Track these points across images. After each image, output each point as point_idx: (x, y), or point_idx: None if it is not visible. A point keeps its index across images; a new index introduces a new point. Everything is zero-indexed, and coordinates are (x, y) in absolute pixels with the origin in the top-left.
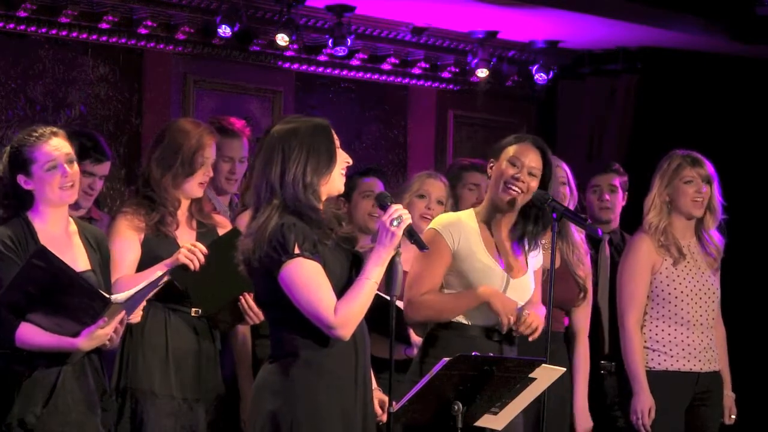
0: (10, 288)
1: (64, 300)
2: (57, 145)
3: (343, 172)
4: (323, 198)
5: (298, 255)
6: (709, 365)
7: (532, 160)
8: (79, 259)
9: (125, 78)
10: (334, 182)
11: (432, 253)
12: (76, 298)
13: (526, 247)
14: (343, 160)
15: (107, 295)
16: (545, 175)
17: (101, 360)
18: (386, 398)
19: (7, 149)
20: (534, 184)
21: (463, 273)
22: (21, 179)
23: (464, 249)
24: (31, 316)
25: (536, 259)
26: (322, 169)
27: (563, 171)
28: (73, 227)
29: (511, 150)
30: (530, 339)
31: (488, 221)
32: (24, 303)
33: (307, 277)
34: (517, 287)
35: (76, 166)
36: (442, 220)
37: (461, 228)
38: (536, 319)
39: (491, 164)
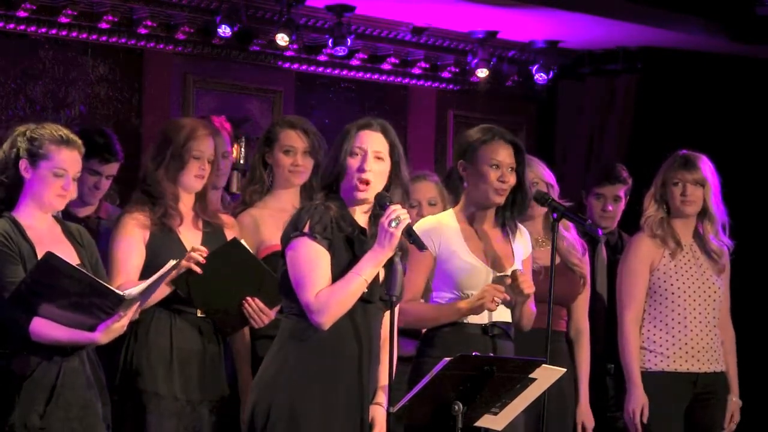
0: (20, 290)
1: (77, 300)
2: (75, 159)
3: None
4: None
5: (305, 234)
6: (709, 365)
7: (508, 156)
8: (69, 255)
9: (125, 78)
10: None
11: (412, 259)
12: (89, 297)
13: (510, 234)
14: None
15: (120, 293)
16: (519, 165)
17: (96, 355)
18: (381, 420)
19: (23, 132)
20: (513, 178)
21: (447, 273)
22: (23, 164)
23: (445, 251)
24: (44, 311)
25: (523, 248)
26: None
27: (544, 171)
28: (56, 225)
29: (487, 151)
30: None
31: (471, 219)
32: (35, 302)
33: (305, 255)
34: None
35: (76, 183)
36: (421, 225)
37: (441, 231)
38: (525, 277)
39: (463, 166)
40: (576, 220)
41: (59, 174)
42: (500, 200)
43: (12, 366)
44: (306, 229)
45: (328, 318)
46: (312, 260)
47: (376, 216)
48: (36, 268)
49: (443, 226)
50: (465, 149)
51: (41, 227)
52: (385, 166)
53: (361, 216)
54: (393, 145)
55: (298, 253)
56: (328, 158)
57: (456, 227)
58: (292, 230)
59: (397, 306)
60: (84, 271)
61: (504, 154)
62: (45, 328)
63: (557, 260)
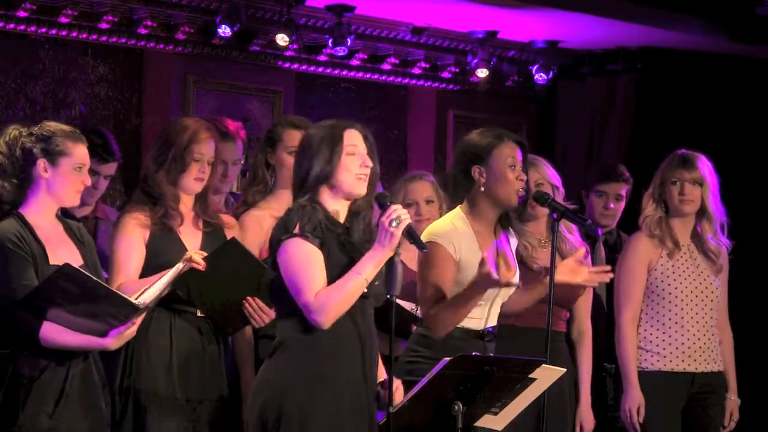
0: (33, 295)
1: (91, 309)
2: (87, 153)
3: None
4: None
5: (296, 234)
6: (706, 365)
7: (519, 155)
8: (74, 255)
9: (125, 78)
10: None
11: (439, 265)
12: (104, 306)
13: (509, 235)
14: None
15: (135, 302)
16: (524, 163)
17: (98, 352)
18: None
19: (23, 133)
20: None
21: (462, 283)
22: (42, 164)
23: (465, 259)
24: (54, 316)
25: (513, 240)
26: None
27: (549, 171)
28: (58, 223)
29: (504, 152)
30: None
31: (482, 222)
32: (47, 307)
33: (299, 256)
34: (509, 288)
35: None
36: (439, 230)
37: (459, 237)
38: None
39: (479, 171)
40: (576, 221)
41: (80, 168)
42: (518, 201)
43: (20, 368)
44: (296, 230)
45: (327, 318)
46: (306, 260)
47: (354, 213)
48: (53, 278)
49: (460, 232)
50: (477, 154)
51: (48, 226)
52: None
53: (342, 215)
54: (373, 145)
55: (291, 255)
56: (313, 161)
57: (470, 233)
58: (283, 232)
59: (429, 315)
60: (100, 281)
61: (516, 154)
62: (55, 333)
63: (559, 261)
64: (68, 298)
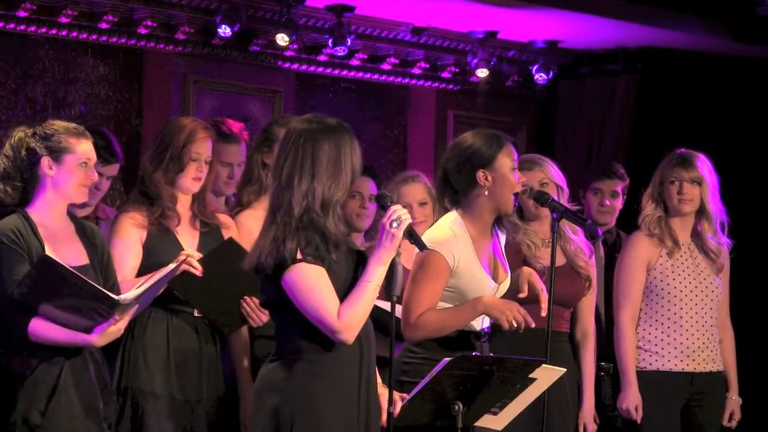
0: (20, 290)
1: (73, 302)
2: (92, 149)
3: None
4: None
5: (300, 260)
6: (705, 365)
7: (516, 157)
8: (77, 254)
9: (125, 78)
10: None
11: (431, 274)
12: (84, 299)
13: (499, 238)
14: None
15: (115, 297)
16: None
17: (101, 353)
18: (386, 391)
19: (28, 133)
20: None
21: (458, 288)
22: (46, 162)
23: (462, 266)
24: (43, 312)
25: (503, 236)
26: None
27: (554, 171)
28: (70, 223)
29: (507, 156)
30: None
31: (480, 228)
32: (35, 303)
33: (309, 282)
34: (503, 290)
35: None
36: (440, 237)
37: (458, 244)
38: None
39: (485, 175)
40: (576, 221)
41: (85, 164)
42: (514, 205)
43: (13, 366)
44: (299, 256)
45: (353, 333)
46: (317, 285)
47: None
48: (32, 270)
49: (459, 239)
50: (484, 158)
51: (54, 225)
52: None
53: None
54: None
55: (302, 282)
56: (341, 171)
57: (467, 238)
58: (288, 260)
59: (410, 321)
60: (78, 273)
61: (515, 155)
62: (43, 328)
63: (563, 261)
64: (52, 291)
